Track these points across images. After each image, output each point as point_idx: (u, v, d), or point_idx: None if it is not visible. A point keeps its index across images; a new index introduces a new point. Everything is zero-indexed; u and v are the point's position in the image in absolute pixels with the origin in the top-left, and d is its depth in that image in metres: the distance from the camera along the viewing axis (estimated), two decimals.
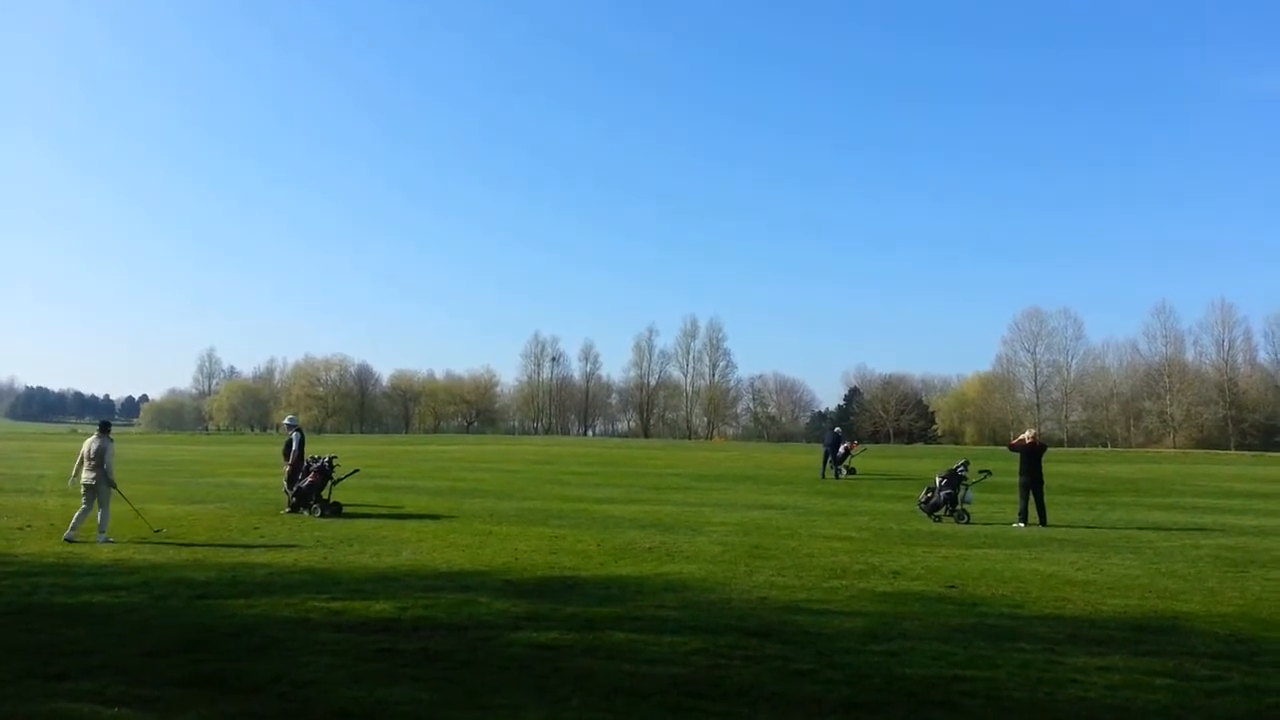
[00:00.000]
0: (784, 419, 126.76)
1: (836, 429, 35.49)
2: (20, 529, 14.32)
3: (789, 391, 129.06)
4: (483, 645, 7.07)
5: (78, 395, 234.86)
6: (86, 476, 13.55)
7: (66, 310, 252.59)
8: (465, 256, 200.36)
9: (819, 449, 55.02)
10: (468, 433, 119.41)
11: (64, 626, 7.58)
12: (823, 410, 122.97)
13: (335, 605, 8.57)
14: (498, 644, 7.13)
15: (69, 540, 12.88)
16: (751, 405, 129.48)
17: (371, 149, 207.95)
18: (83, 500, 13.52)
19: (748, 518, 17.51)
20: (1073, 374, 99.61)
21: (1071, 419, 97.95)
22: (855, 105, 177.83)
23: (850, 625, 7.99)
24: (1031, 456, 17.16)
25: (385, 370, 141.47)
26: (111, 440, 13.98)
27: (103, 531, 13.22)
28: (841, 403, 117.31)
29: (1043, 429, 73.97)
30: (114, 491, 13.69)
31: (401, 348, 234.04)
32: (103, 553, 12.05)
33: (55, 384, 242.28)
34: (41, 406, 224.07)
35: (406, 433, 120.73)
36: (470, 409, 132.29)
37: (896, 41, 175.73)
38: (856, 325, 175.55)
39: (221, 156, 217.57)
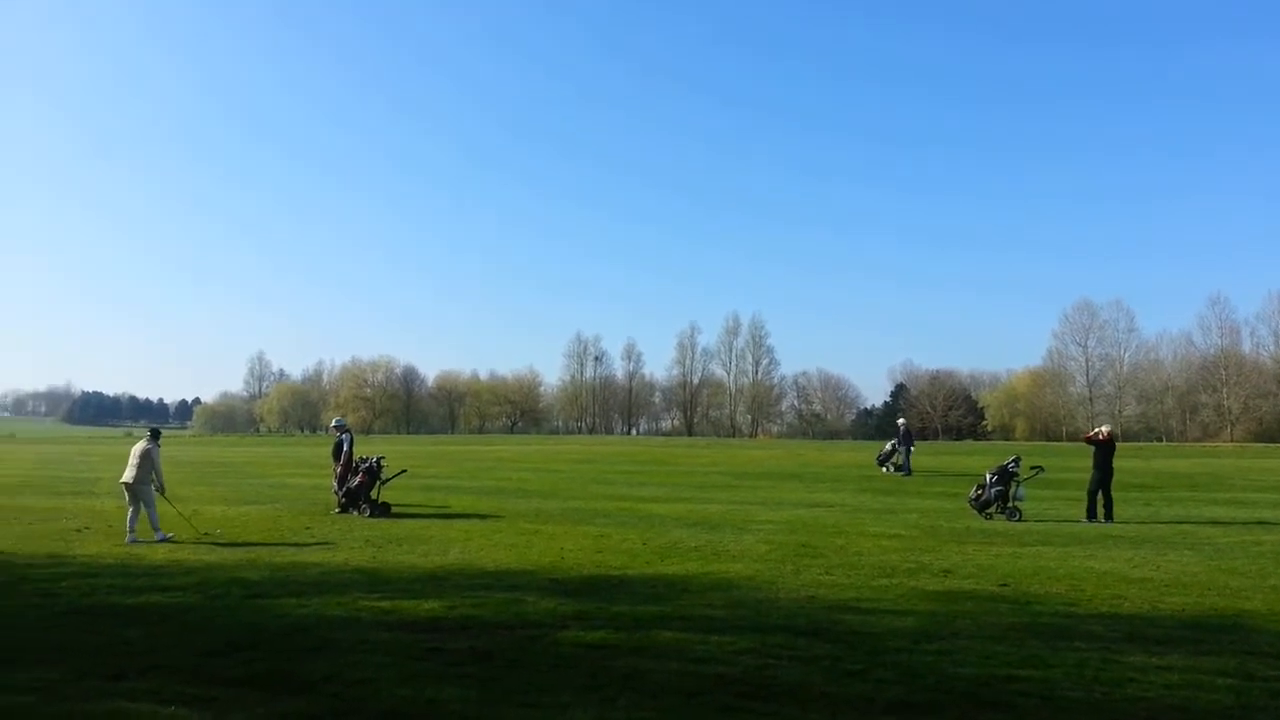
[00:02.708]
0: (829, 416, 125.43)
1: (901, 420, 34.82)
2: (78, 530, 14.67)
3: (834, 388, 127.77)
4: (531, 644, 7.10)
5: (132, 399, 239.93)
6: (126, 475, 13.90)
7: (121, 316, 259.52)
8: (507, 257, 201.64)
9: (867, 446, 54.51)
10: (512, 433, 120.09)
11: (122, 626, 7.74)
12: (868, 407, 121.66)
13: (385, 604, 8.66)
14: (545, 643, 7.15)
15: (131, 543, 13.22)
16: (796, 402, 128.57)
17: (417, 152, 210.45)
18: (128, 503, 13.87)
19: (794, 516, 17.39)
20: (1125, 367, 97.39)
21: (1125, 413, 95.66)
22: (898, 102, 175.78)
23: (901, 624, 7.90)
24: (1105, 452, 16.92)
25: (430, 371, 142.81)
26: (158, 445, 14.35)
27: (157, 530, 13.60)
28: (888, 399, 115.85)
29: (1095, 424, 72.61)
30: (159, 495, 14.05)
31: (446, 349, 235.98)
32: (159, 553, 12.30)
33: (110, 388, 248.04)
34: (97, 410, 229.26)
35: (452, 433, 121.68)
36: (514, 409, 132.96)
37: (935, 36, 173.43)
38: (902, 321, 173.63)
39: (274, 161, 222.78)
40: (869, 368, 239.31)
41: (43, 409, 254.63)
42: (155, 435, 14.68)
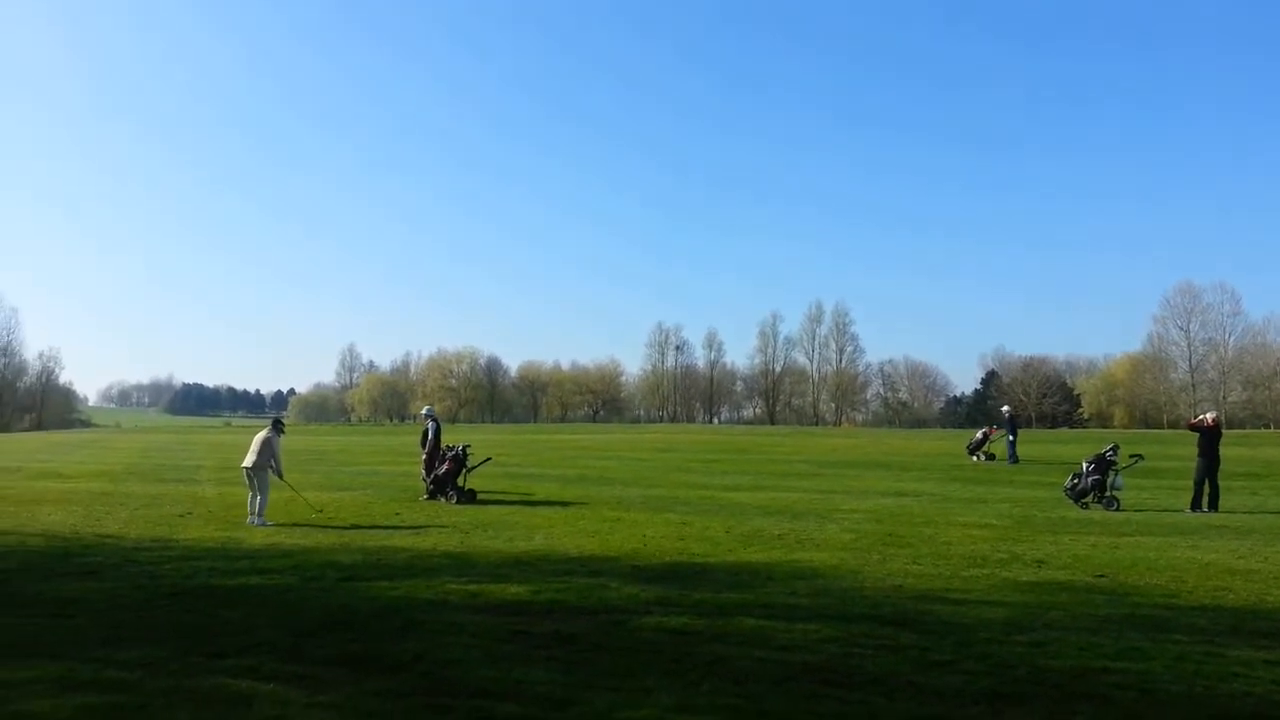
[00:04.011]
0: (916, 404, 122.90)
1: (1005, 407, 34.17)
2: (181, 516, 15.28)
3: (921, 376, 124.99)
4: (614, 629, 7.14)
5: (231, 390, 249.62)
6: (247, 461, 14.61)
7: (221, 311, 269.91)
8: (593, 249, 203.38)
9: (955, 434, 53.30)
10: (594, 422, 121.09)
11: (222, 607, 8.03)
12: (957, 395, 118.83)
13: (472, 588, 8.82)
14: (628, 628, 7.19)
15: (252, 524, 14.00)
16: (881, 390, 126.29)
17: (496, 155, 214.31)
18: (247, 486, 14.64)
19: (880, 505, 17.12)
20: (1230, 351, 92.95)
21: (1230, 399, 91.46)
22: (991, 102, 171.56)
23: (991, 615, 7.70)
24: (1211, 439, 16.29)
25: (513, 362, 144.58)
26: (278, 434, 15.07)
27: (259, 515, 14.18)
28: (978, 387, 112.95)
29: (1198, 410, 69.60)
30: (277, 480, 14.77)
31: (529, 340, 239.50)
32: (257, 536, 12.75)
33: (210, 380, 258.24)
34: (198, 401, 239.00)
35: (535, 422, 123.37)
36: (596, 398, 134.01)
37: (1023, 37, 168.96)
38: (992, 307, 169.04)
39: (363, 166, 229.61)
40: (959, 355, 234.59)
41: (146, 400, 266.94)
42: (277, 425, 15.43)
